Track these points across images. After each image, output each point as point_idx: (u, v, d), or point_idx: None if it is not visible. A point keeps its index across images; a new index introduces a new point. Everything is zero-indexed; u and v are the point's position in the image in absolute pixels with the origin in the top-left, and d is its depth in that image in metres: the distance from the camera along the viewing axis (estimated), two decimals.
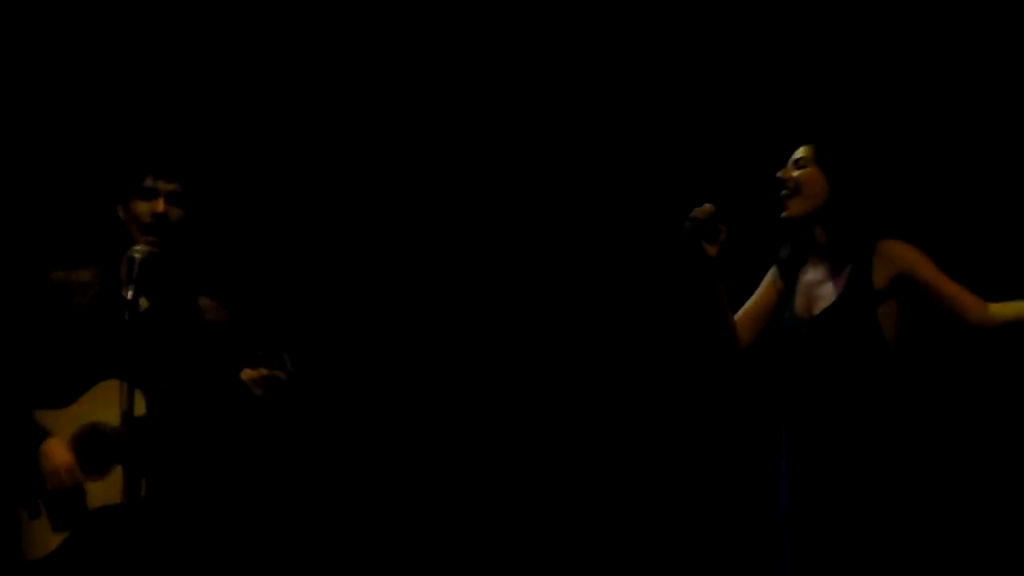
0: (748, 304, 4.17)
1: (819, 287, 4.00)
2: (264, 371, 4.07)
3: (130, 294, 3.82)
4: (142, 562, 3.93)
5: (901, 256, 3.92)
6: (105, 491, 3.97)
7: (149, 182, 4.09)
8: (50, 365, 4.06)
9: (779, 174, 4.01)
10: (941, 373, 4.93)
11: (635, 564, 5.37)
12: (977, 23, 5.07)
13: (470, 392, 5.43)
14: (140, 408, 3.93)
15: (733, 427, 5.27)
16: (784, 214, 4.01)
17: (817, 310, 3.98)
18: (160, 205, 4.07)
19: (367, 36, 5.46)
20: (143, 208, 4.07)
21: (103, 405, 3.99)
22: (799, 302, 4.03)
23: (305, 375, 4.11)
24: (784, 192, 4.00)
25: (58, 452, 3.98)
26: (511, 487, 5.41)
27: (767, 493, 4.12)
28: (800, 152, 4.02)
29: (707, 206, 3.96)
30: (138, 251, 3.95)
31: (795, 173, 3.99)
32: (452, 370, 5.43)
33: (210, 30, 5.37)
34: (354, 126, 5.49)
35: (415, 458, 5.43)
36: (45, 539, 3.98)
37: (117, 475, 3.93)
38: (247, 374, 4.07)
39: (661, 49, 5.35)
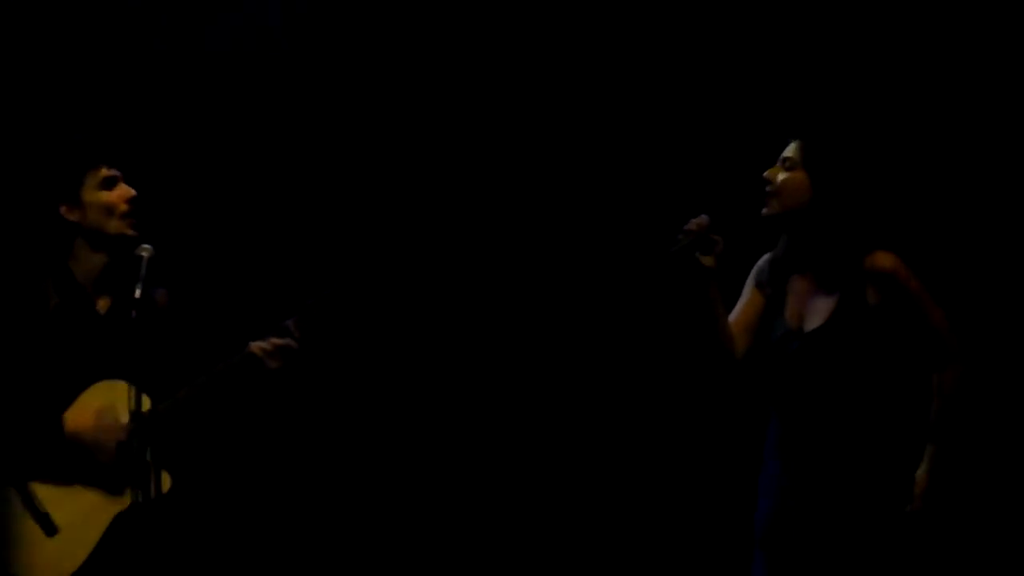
0: (735, 313, 4.06)
1: (811, 298, 3.93)
2: (276, 340, 3.98)
3: (138, 292, 3.79)
4: (146, 561, 3.90)
5: (883, 270, 3.83)
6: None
7: (105, 171, 4.01)
8: (43, 381, 3.99)
9: (765, 174, 3.93)
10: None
11: (625, 567, 5.39)
12: (978, 28, 5.07)
13: (468, 399, 5.41)
14: (145, 407, 3.88)
15: (722, 435, 5.24)
16: (764, 211, 3.93)
17: (809, 325, 3.91)
18: (131, 189, 4.02)
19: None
20: (111, 196, 4.00)
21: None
22: (789, 310, 3.96)
23: (313, 341, 4.00)
24: (768, 188, 3.92)
25: (81, 417, 3.95)
26: (506, 489, 5.41)
27: (746, 505, 4.09)
28: (789, 151, 3.92)
29: (702, 218, 3.91)
30: (145, 250, 3.90)
31: (780, 175, 3.90)
32: (448, 374, 5.42)
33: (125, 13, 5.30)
34: (338, 115, 5.45)
35: (416, 457, 5.41)
36: (67, 559, 3.94)
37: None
38: (257, 347, 3.98)
39: (662, 50, 5.34)
